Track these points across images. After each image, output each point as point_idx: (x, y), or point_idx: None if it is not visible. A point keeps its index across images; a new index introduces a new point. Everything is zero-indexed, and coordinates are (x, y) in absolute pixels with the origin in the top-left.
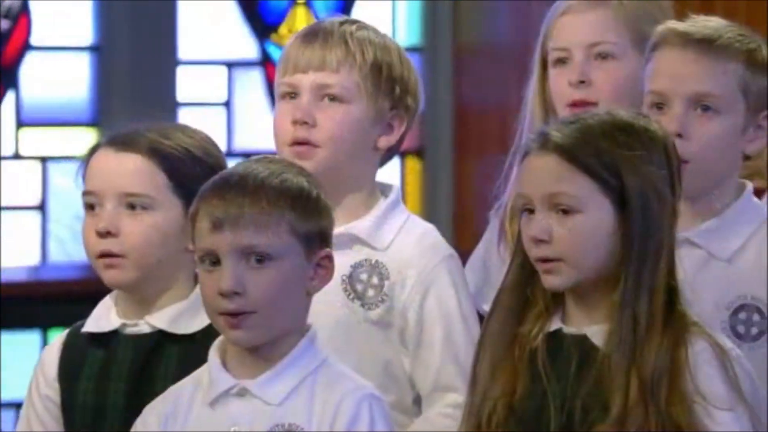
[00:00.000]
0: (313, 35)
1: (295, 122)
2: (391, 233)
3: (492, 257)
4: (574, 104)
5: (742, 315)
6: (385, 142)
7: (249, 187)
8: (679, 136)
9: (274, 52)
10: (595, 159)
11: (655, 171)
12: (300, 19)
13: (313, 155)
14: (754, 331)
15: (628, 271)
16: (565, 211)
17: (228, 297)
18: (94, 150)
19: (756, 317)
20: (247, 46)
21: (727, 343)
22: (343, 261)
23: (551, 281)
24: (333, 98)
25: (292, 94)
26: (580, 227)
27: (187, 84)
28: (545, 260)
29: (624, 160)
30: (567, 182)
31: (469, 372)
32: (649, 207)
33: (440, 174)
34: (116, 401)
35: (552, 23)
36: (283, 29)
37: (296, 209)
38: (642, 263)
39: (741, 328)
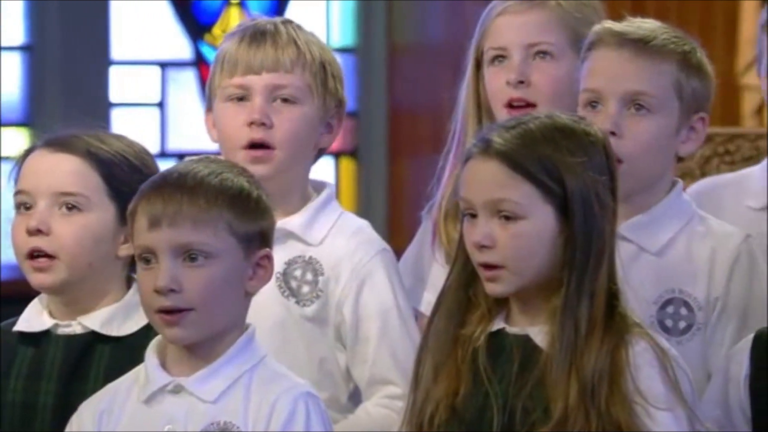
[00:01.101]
0: (260, 36)
1: (251, 123)
2: (325, 229)
3: (424, 257)
4: (513, 103)
5: (670, 309)
6: (327, 140)
7: (187, 185)
8: (613, 134)
9: (208, 53)
10: (538, 166)
11: (596, 176)
12: (234, 20)
13: (271, 158)
14: (682, 325)
15: (570, 276)
16: (508, 217)
17: (164, 294)
18: (29, 152)
19: (684, 311)
20: (180, 47)
21: (665, 343)
22: (277, 257)
23: (493, 288)
24: (286, 99)
25: (242, 96)
26: (523, 233)
27: (120, 84)
28: (488, 266)
29: (566, 167)
30: (510, 189)
31: (405, 364)
32: (591, 213)
33: (374, 174)
34: (46, 401)
35: (489, 23)
36: (216, 29)
37: (235, 209)
38: (584, 269)
39: (669, 322)
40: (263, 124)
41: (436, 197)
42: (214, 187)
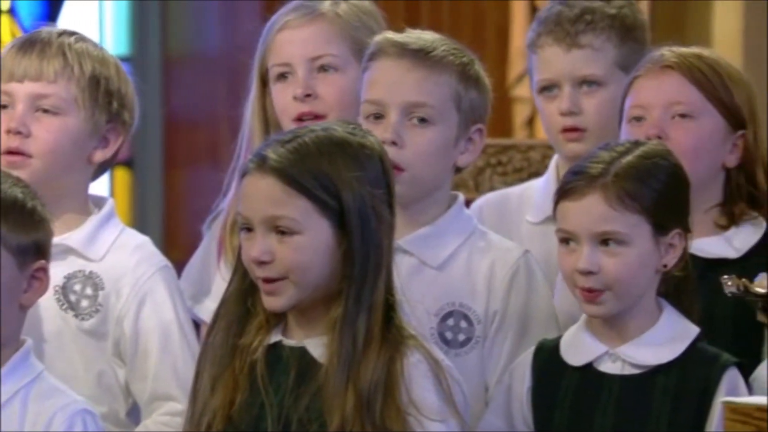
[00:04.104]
0: (29, 45)
1: (8, 132)
2: (106, 245)
3: (210, 269)
4: (301, 118)
5: (450, 321)
6: (100, 155)
7: None
8: (394, 144)
9: None
10: (314, 181)
11: (373, 190)
12: (4, 28)
13: (27, 165)
14: (462, 337)
15: (349, 289)
16: (285, 232)
17: None
18: None
19: (463, 324)
20: None
21: (441, 356)
22: (56, 272)
23: (273, 303)
24: (49, 109)
25: (6, 104)
26: (300, 247)
27: None
28: (267, 280)
29: (342, 181)
30: (286, 206)
31: (187, 380)
32: (369, 227)
33: (150, 185)
34: None
35: (270, 39)
36: None
37: (7, 222)
38: (362, 282)
39: (449, 335)
40: (19, 132)
41: (222, 211)
42: None
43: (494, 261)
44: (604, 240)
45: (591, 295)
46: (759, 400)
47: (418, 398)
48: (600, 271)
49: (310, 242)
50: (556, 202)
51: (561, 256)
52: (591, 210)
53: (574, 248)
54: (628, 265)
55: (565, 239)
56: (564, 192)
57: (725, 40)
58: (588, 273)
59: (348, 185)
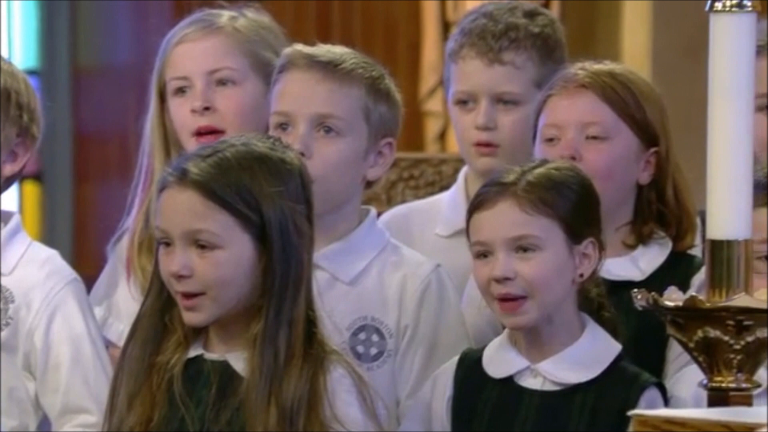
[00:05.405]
0: None
1: None
2: (15, 258)
3: (116, 290)
4: (200, 132)
5: (362, 336)
6: (9, 170)
7: None
8: (302, 155)
9: None
10: (235, 195)
11: (293, 205)
12: None
13: None
14: (373, 351)
15: (269, 304)
16: (205, 247)
17: None
18: None
19: (375, 338)
20: None
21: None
22: None
23: (193, 318)
24: None
25: None
26: (221, 262)
27: None
28: (187, 295)
29: (263, 195)
30: (207, 219)
31: (99, 393)
32: (289, 241)
33: (59, 199)
34: None
35: (168, 53)
36: None
37: None
38: (282, 297)
39: (360, 348)
40: None
41: (127, 230)
42: None
43: (406, 275)
44: (519, 246)
45: (510, 305)
46: (667, 412)
47: (342, 413)
48: (516, 276)
49: (231, 257)
50: (469, 216)
51: (476, 268)
52: (504, 216)
53: (489, 260)
54: (543, 268)
55: (480, 252)
56: (476, 204)
57: (634, 55)
58: (504, 279)
59: (269, 200)
